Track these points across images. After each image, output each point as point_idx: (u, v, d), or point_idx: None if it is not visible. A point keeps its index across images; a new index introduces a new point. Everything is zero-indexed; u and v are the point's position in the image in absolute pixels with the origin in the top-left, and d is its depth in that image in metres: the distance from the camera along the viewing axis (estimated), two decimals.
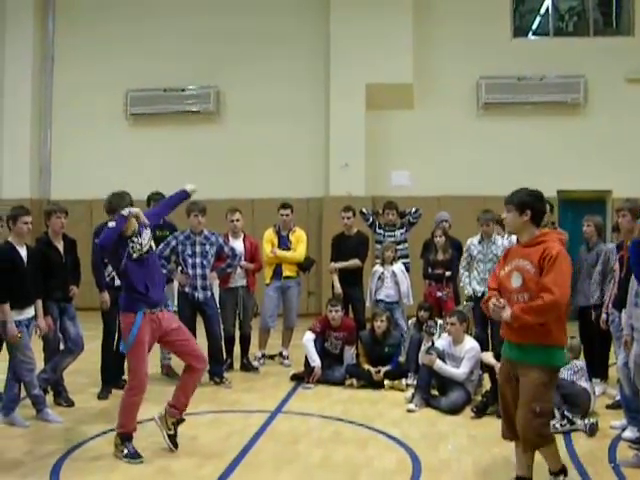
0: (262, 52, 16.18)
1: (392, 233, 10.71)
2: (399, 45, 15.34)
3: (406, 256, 10.76)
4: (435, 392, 8.28)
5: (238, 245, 9.87)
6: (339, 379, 9.16)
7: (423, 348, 8.68)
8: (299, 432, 7.17)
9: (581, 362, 7.85)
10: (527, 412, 5.04)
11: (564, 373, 7.44)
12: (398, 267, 10.21)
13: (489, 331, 9.29)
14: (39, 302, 7.40)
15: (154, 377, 9.01)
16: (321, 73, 16.03)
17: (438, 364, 8.09)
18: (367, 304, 10.43)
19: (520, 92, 15.51)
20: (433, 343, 8.60)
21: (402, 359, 9.41)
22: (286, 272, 10.34)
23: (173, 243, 9.09)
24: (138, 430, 6.41)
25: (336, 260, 10.56)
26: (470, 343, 8.27)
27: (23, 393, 7.46)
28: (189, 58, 16.34)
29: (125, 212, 6.17)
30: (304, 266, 10.55)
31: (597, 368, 8.53)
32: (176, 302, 9.35)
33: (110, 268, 8.23)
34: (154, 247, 6.63)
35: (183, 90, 16.49)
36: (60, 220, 7.81)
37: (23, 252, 7.24)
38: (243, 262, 9.85)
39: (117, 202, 6.33)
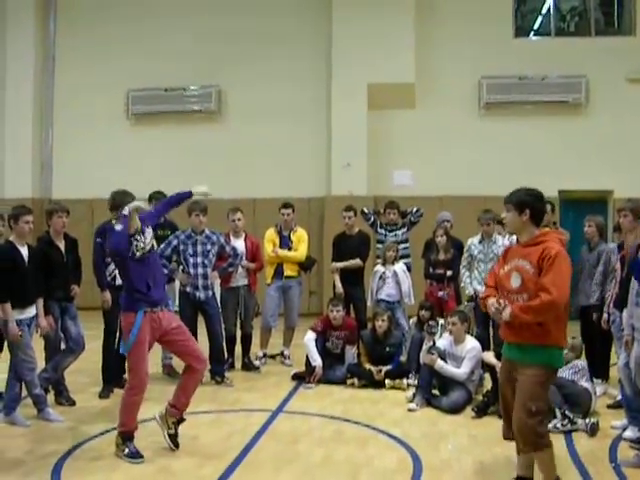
0: (264, 52, 16.18)
1: (393, 233, 10.71)
2: (401, 45, 15.34)
3: (407, 256, 10.76)
4: (436, 392, 8.27)
5: (239, 245, 9.87)
6: (340, 378, 9.16)
7: (424, 348, 8.68)
8: (300, 431, 7.17)
9: (582, 362, 7.86)
10: (522, 411, 5.02)
11: (565, 373, 7.46)
12: (399, 267, 10.21)
13: (490, 331, 9.29)
14: (40, 301, 7.40)
15: (155, 376, 9.02)
16: (323, 73, 16.02)
17: (439, 364, 8.09)
18: (368, 304, 10.43)
19: (521, 92, 15.51)
20: (434, 343, 8.59)
21: (403, 359, 9.42)
22: (287, 272, 10.34)
23: (174, 242, 9.09)
24: (139, 429, 6.42)
25: (337, 260, 10.57)
26: (471, 343, 8.27)
27: (24, 392, 7.45)
28: (190, 58, 16.35)
29: (125, 211, 6.18)
30: (305, 266, 10.55)
31: (598, 368, 8.52)
32: (177, 302, 9.36)
33: (111, 267, 8.24)
34: (155, 246, 6.63)
35: (184, 90, 16.50)
36: (61, 219, 7.82)
37: (24, 251, 7.25)
38: (244, 262, 9.85)
39: (121, 199, 6.34)
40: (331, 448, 6.62)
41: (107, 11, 16.71)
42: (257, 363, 10.17)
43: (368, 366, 9.15)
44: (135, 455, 6.18)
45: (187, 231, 9.17)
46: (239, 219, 10.04)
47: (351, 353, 9.47)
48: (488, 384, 8.16)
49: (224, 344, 9.54)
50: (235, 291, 9.98)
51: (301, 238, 10.44)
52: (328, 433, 7.14)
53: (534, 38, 16.54)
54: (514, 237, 8.47)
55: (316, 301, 15.37)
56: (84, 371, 8.97)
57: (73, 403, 8.04)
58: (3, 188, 16.44)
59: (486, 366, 8.11)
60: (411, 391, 8.46)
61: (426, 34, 15.60)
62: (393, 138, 15.88)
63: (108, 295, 8.36)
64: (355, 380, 9.05)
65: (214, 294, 9.38)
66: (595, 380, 8.13)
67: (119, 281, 7.22)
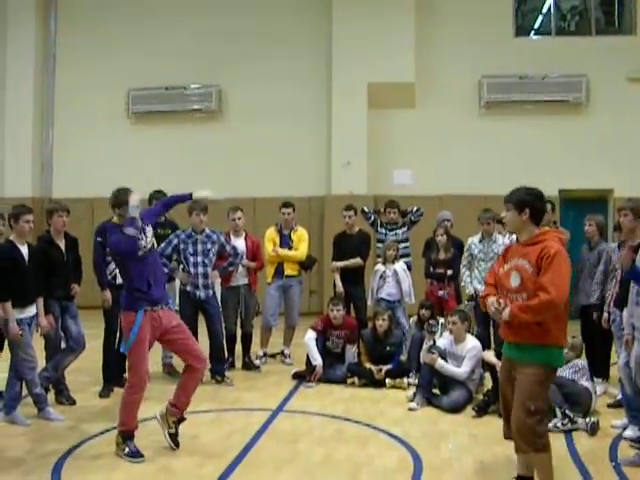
0: (264, 51, 16.19)
1: (394, 232, 10.71)
2: (401, 44, 15.34)
3: (408, 255, 10.76)
4: (436, 391, 8.27)
5: (240, 244, 9.88)
6: (340, 378, 9.16)
7: (425, 347, 8.68)
8: (300, 431, 7.17)
9: (583, 361, 7.86)
10: (521, 410, 5.01)
11: (565, 372, 7.46)
12: (400, 266, 10.21)
13: (490, 330, 9.29)
14: (40, 300, 7.40)
15: (155, 376, 9.03)
16: (323, 72, 16.02)
17: (439, 363, 8.09)
18: (369, 303, 10.44)
19: (522, 91, 15.50)
20: (435, 342, 8.59)
21: (404, 358, 9.42)
22: (288, 271, 10.35)
23: (175, 242, 9.08)
24: (139, 429, 6.42)
25: (338, 259, 10.58)
26: (471, 342, 8.27)
27: (25, 391, 7.46)
28: (191, 57, 16.36)
29: (134, 213, 6.20)
30: (306, 265, 10.56)
31: (598, 367, 8.52)
32: (178, 301, 9.35)
33: (112, 266, 8.25)
34: (155, 245, 6.63)
35: (185, 89, 16.50)
36: (62, 218, 7.81)
37: (24, 250, 7.25)
38: (245, 261, 9.85)
39: (122, 196, 6.32)
40: (331, 447, 6.62)
41: (108, 10, 16.71)
42: (257, 362, 10.17)
43: (368, 365, 9.16)
44: (135, 454, 6.18)
45: (187, 230, 9.17)
46: (239, 218, 10.04)
47: (351, 352, 9.47)
48: (488, 383, 8.17)
49: (224, 343, 9.54)
50: (235, 290, 9.98)
51: (301, 237, 10.44)
52: (328, 432, 7.14)
53: (534, 37, 16.54)
54: (514, 236, 8.48)
55: (316, 300, 15.38)
56: (84, 370, 8.97)
57: (73, 402, 8.04)
58: (3, 187, 16.44)
59: (486, 365, 8.12)
60: (411, 390, 8.47)
61: (426, 34, 15.60)
62: (393, 137, 15.88)
63: (108, 294, 8.37)
64: (355, 379, 9.05)
65: (214, 293, 9.38)
66: (595, 379, 8.13)
67: (119, 280, 7.22)
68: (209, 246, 9.13)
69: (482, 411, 7.60)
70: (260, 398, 8.48)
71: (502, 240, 9.59)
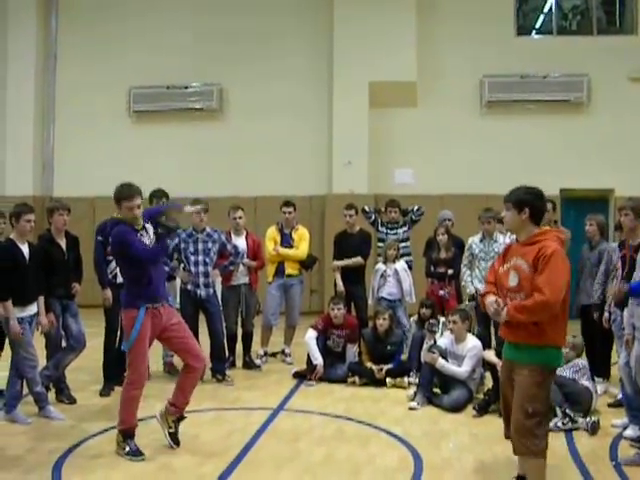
0: (265, 50, 16.19)
1: (394, 231, 10.71)
2: (402, 43, 15.33)
3: (408, 254, 10.76)
4: (437, 390, 8.27)
5: (240, 243, 9.87)
6: (341, 377, 9.16)
7: (425, 346, 8.69)
8: (301, 430, 7.17)
9: (583, 361, 7.85)
10: (520, 412, 4.99)
11: (566, 372, 7.47)
12: (400, 265, 10.21)
13: (491, 329, 9.29)
14: (41, 299, 7.40)
15: (156, 374, 9.07)
16: (324, 71, 16.01)
17: (440, 362, 8.09)
18: (369, 302, 10.44)
19: (523, 91, 15.49)
20: (435, 341, 8.60)
21: (404, 357, 9.42)
22: (289, 270, 10.35)
23: (175, 240, 9.08)
24: (140, 427, 6.42)
25: (338, 258, 10.59)
26: (472, 341, 8.27)
27: (25, 390, 7.47)
28: (192, 55, 16.36)
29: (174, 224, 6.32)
30: (306, 264, 10.55)
31: (599, 367, 8.51)
32: (178, 300, 9.35)
33: (112, 265, 8.25)
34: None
35: (186, 87, 16.48)
36: (62, 217, 7.82)
37: (25, 249, 7.25)
38: (245, 260, 9.85)
39: (127, 192, 6.30)
40: (332, 446, 6.62)
41: (108, 9, 16.69)
42: (258, 361, 10.17)
43: (369, 364, 9.16)
44: (136, 453, 6.19)
45: (188, 229, 9.16)
46: (240, 217, 10.04)
47: (352, 351, 9.48)
48: (489, 383, 8.17)
49: (225, 342, 9.55)
50: (236, 289, 9.98)
51: (302, 236, 10.44)
52: (329, 431, 7.14)
53: (536, 37, 16.55)
54: (515, 235, 8.49)
55: (317, 299, 15.37)
56: (85, 369, 8.96)
57: (74, 401, 8.04)
58: (4, 186, 16.41)
59: (487, 365, 8.12)
60: (412, 390, 8.47)
61: (428, 32, 15.59)
62: (394, 136, 15.87)
63: (109, 293, 8.37)
64: (356, 378, 9.05)
65: (215, 292, 9.39)
66: (596, 379, 8.12)
67: (120, 279, 7.24)
68: (210, 245, 9.13)
69: (483, 410, 7.60)
70: (261, 397, 8.49)
71: (503, 239, 9.59)
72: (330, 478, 5.86)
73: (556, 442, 6.47)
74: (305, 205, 14.81)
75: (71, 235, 8.05)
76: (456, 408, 7.82)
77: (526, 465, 5.17)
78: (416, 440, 6.78)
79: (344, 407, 8.03)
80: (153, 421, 6.62)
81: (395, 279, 10.16)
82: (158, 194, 9.23)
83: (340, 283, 10.43)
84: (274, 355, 10.61)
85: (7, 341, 7.34)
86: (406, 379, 8.97)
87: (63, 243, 7.89)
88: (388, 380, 8.96)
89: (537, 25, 16.53)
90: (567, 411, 7.10)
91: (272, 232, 10.44)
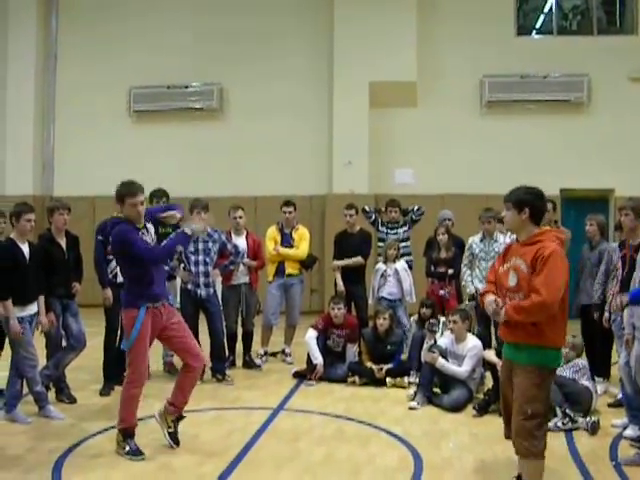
0: (265, 50, 16.19)
1: (395, 231, 10.72)
2: (403, 43, 15.33)
3: (409, 254, 10.77)
4: (437, 390, 8.27)
5: (241, 242, 9.87)
6: (341, 377, 9.17)
7: (425, 346, 8.69)
8: (301, 429, 7.17)
9: (583, 361, 7.85)
10: (519, 413, 4.99)
11: (566, 371, 7.47)
12: (401, 265, 10.21)
13: (491, 329, 9.29)
14: (41, 298, 7.40)
15: (156, 374, 9.07)
16: (324, 71, 16.02)
17: (440, 362, 8.09)
18: (369, 302, 10.45)
19: (523, 91, 15.48)
20: (435, 341, 8.60)
21: (404, 357, 9.42)
22: (289, 270, 10.35)
23: (179, 247, 9.06)
24: (140, 427, 6.42)
25: (339, 258, 10.59)
26: (472, 341, 8.27)
27: (25, 390, 7.46)
28: (192, 55, 16.36)
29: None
30: (307, 264, 10.56)
31: (599, 367, 8.52)
32: (179, 299, 9.35)
33: (112, 265, 8.26)
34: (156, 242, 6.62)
35: (186, 87, 16.49)
36: (63, 217, 7.82)
37: (25, 249, 7.25)
38: (246, 259, 9.85)
39: (130, 188, 6.28)
40: (332, 446, 6.62)
41: (108, 9, 16.70)
42: (258, 361, 10.17)
43: (369, 364, 9.16)
44: (136, 452, 6.19)
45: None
46: (240, 217, 10.04)
47: (352, 351, 9.48)
48: (489, 382, 8.17)
49: (225, 342, 9.55)
50: (236, 289, 9.98)
51: (302, 236, 10.44)
52: (329, 431, 7.14)
53: (536, 37, 16.54)
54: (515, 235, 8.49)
55: (317, 299, 15.38)
56: (85, 368, 8.96)
57: (74, 400, 8.04)
58: (4, 185, 16.41)
59: (487, 364, 8.12)
60: (412, 389, 8.47)
61: (428, 32, 15.59)
62: (395, 136, 15.87)
63: (109, 292, 8.37)
64: (356, 378, 9.05)
65: (215, 292, 9.38)
66: (596, 379, 8.12)
67: (120, 278, 7.24)
68: (210, 245, 9.13)
69: (483, 410, 7.59)
70: (261, 397, 8.49)
71: (503, 239, 9.59)
72: (330, 478, 5.86)
73: (556, 442, 6.47)
74: (305, 205, 14.82)
75: (71, 235, 8.05)
76: (456, 408, 7.82)
77: (524, 465, 5.16)
78: (416, 440, 6.77)
79: (344, 407, 8.03)
80: (153, 421, 6.62)
81: (395, 279, 10.17)
82: (158, 194, 9.23)
83: (340, 283, 10.44)
84: (274, 355, 10.61)
85: (7, 340, 7.33)
86: (406, 379, 8.97)
87: (63, 242, 7.89)
88: (388, 380, 8.96)
89: (537, 25, 16.53)
90: (567, 411, 7.10)
91: (272, 232, 10.45)
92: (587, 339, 8.45)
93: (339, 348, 9.46)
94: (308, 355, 9.31)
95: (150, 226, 6.44)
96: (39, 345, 7.59)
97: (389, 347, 9.23)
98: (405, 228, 10.76)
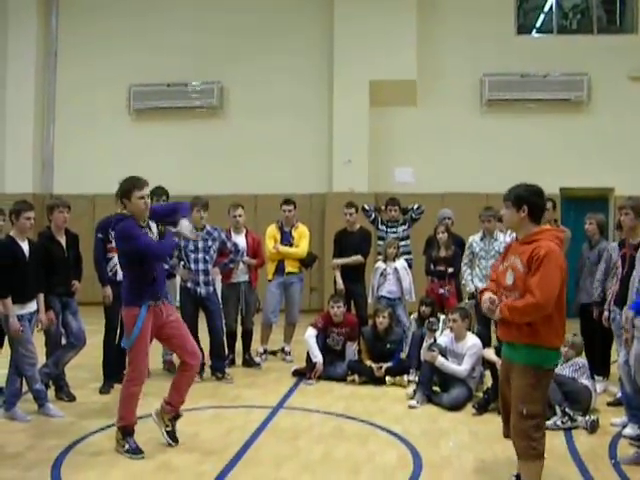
0: (266, 48, 16.18)
1: (394, 229, 10.72)
2: (403, 42, 15.33)
3: (408, 252, 10.77)
4: (437, 388, 8.28)
5: (240, 241, 9.87)
6: (341, 375, 9.17)
7: (425, 345, 8.69)
8: (300, 428, 7.17)
9: (583, 359, 7.86)
10: (515, 414, 4.99)
11: (566, 370, 7.48)
12: (400, 264, 10.22)
13: (492, 328, 9.28)
14: (41, 296, 7.40)
15: (155, 372, 9.06)
16: (324, 69, 16.02)
17: (440, 360, 8.09)
18: (369, 300, 10.44)
19: (523, 90, 15.49)
20: (435, 339, 8.60)
21: (404, 355, 9.42)
22: (288, 268, 10.35)
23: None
24: (139, 425, 6.42)
25: (338, 256, 10.58)
26: (472, 340, 8.27)
27: (25, 388, 7.47)
28: (193, 53, 16.36)
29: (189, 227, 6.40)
30: (306, 262, 10.56)
31: (598, 365, 8.53)
32: (178, 297, 9.35)
33: (112, 263, 8.26)
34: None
35: (186, 85, 16.48)
36: (63, 215, 7.82)
37: (25, 246, 7.24)
38: (245, 258, 9.85)
39: (137, 181, 6.25)
40: (331, 444, 6.62)
41: (108, 7, 16.70)
42: (258, 359, 10.18)
43: (369, 363, 9.17)
44: (135, 451, 6.18)
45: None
46: (240, 215, 10.03)
47: (352, 350, 9.48)
48: (489, 381, 8.17)
49: (225, 340, 9.55)
50: (236, 287, 9.98)
51: (302, 234, 10.44)
52: (328, 429, 7.14)
53: (536, 35, 16.53)
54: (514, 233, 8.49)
55: (317, 297, 15.38)
56: (85, 366, 8.95)
57: (73, 398, 8.04)
58: (4, 183, 16.42)
59: (487, 363, 8.12)
60: (412, 388, 8.47)
61: (428, 31, 15.60)
62: (394, 135, 15.88)
63: (109, 290, 8.37)
64: (356, 377, 9.06)
65: (215, 290, 9.37)
66: (595, 377, 8.13)
67: (120, 276, 7.23)
68: (210, 243, 9.12)
69: (482, 409, 7.60)
70: (260, 395, 8.49)
71: (503, 238, 9.61)
72: (329, 476, 5.86)
73: (555, 441, 6.48)
74: (305, 203, 14.82)
75: (71, 233, 8.05)
76: (456, 406, 7.82)
77: (523, 466, 5.16)
78: (415, 438, 6.78)
79: (344, 405, 8.03)
80: (152, 419, 6.62)
81: (395, 277, 10.17)
82: (158, 192, 9.22)
83: (340, 281, 10.44)
84: (274, 353, 10.61)
85: (6, 338, 7.32)
86: (406, 377, 8.97)
87: (63, 241, 7.89)
88: (388, 378, 8.96)
89: (537, 24, 16.52)
90: (566, 410, 7.10)
91: (272, 230, 10.44)
92: (587, 338, 8.45)
93: (339, 346, 9.46)
94: (308, 353, 9.31)
95: (153, 224, 6.43)
96: (38, 343, 7.59)
97: (389, 346, 9.23)
98: (405, 227, 10.76)
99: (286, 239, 10.35)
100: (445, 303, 10.07)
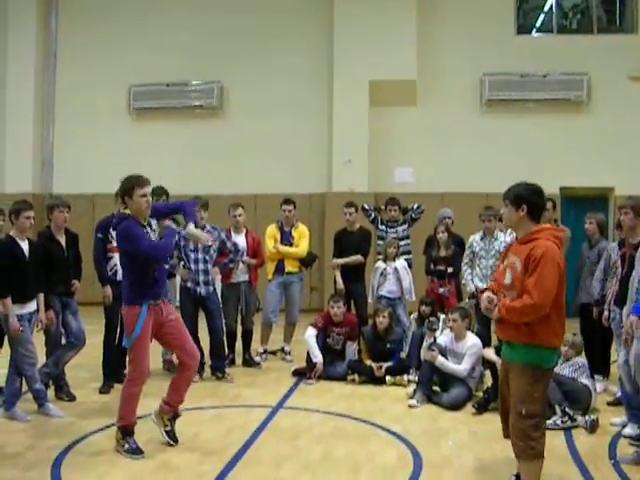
0: (265, 48, 16.20)
1: (394, 229, 10.72)
2: (402, 42, 15.33)
3: (408, 252, 10.77)
4: (437, 388, 8.28)
5: (240, 240, 9.87)
6: (341, 375, 9.17)
7: (425, 344, 8.69)
8: (300, 428, 7.17)
9: (582, 359, 7.86)
10: (514, 413, 4.99)
11: (565, 370, 7.48)
12: (400, 263, 10.22)
13: (491, 327, 9.28)
14: (41, 296, 7.40)
15: (155, 372, 9.01)
16: (324, 69, 16.02)
17: (440, 360, 8.09)
18: (369, 300, 10.44)
19: (523, 89, 15.49)
20: (435, 339, 8.60)
21: (404, 355, 9.42)
22: (288, 268, 10.35)
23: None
24: (139, 425, 6.42)
25: (338, 256, 10.58)
26: (472, 340, 8.27)
27: (24, 387, 7.46)
28: (192, 53, 16.37)
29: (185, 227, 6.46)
30: (306, 262, 10.56)
31: (598, 365, 8.53)
32: (178, 297, 9.35)
33: (112, 262, 8.26)
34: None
35: (186, 85, 16.50)
36: (62, 214, 7.82)
37: (25, 246, 7.24)
38: (245, 257, 9.85)
39: (139, 179, 6.24)
40: (331, 444, 6.62)
41: (108, 8, 16.70)
42: (258, 359, 10.18)
43: (369, 362, 9.16)
44: (135, 451, 6.18)
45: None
46: (240, 215, 10.03)
47: (352, 349, 9.48)
48: (489, 381, 8.16)
49: (225, 340, 9.54)
50: (236, 287, 9.98)
51: (302, 234, 10.44)
52: (328, 429, 7.14)
53: (536, 35, 16.55)
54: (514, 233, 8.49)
55: (317, 297, 15.38)
56: (84, 366, 8.95)
57: (73, 398, 8.03)
58: (4, 183, 16.43)
59: (487, 363, 8.12)
60: (412, 387, 8.47)
61: (428, 31, 15.60)
62: (394, 135, 15.88)
63: (109, 290, 8.37)
64: (356, 376, 9.06)
65: (215, 290, 9.37)
66: (595, 377, 8.12)
67: (120, 276, 7.23)
68: (210, 243, 9.12)
69: (482, 408, 7.59)
70: (260, 395, 8.48)
71: (503, 237, 9.62)
72: (329, 476, 5.86)
73: (555, 440, 6.47)
74: (305, 203, 14.83)
75: (71, 232, 8.05)
76: (455, 406, 7.82)
77: (522, 466, 5.16)
78: (415, 438, 6.78)
79: (344, 405, 8.02)
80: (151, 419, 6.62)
81: (395, 277, 10.17)
82: (158, 191, 9.20)
83: (340, 281, 10.43)
84: (274, 353, 10.61)
85: (6, 338, 7.32)
86: (406, 377, 8.97)
87: (63, 240, 7.89)
88: (388, 378, 8.96)
89: (537, 24, 16.53)
90: (566, 409, 7.10)
91: (272, 230, 10.44)
92: (586, 337, 8.45)
93: (339, 346, 9.46)
94: (308, 353, 9.31)
95: (154, 223, 6.43)
96: (38, 343, 7.59)
97: (389, 345, 9.23)
98: (405, 226, 10.76)
99: (286, 239, 10.36)
100: (445, 303, 10.07)
